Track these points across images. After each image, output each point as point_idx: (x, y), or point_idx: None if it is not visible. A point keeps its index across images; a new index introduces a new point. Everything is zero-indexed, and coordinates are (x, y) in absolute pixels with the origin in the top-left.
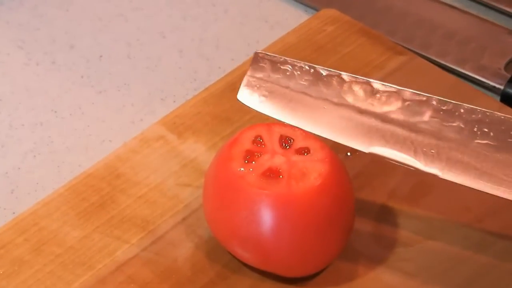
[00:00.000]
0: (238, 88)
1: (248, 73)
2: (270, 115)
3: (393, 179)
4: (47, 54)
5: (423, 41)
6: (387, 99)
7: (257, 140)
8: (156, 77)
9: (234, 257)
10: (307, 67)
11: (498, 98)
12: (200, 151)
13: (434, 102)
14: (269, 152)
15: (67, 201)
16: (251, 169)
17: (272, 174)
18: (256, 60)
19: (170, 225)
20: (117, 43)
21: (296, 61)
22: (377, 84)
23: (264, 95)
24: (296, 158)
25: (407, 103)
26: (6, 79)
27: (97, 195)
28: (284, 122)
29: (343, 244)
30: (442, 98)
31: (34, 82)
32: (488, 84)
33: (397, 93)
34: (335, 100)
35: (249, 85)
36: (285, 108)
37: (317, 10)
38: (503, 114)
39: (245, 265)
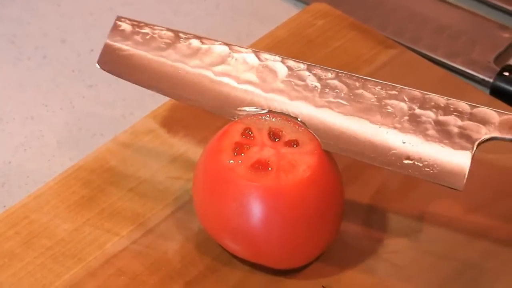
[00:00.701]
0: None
1: (108, 39)
2: (128, 81)
3: (383, 172)
4: (38, 49)
5: (413, 35)
6: (244, 62)
7: (246, 133)
8: None
9: (224, 249)
10: (165, 32)
11: (487, 91)
12: (190, 145)
13: (291, 63)
14: (258, 145)
15: (57, 194)
16: (240, 161)
17: (261, 166)
18: (116, 25)
19: (161, 218)
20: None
21: (157, 26)
22: (236, 47)
23: (122, 61)
24: (285, 150)
25: (262, 64)
26: None
27: (87, 188)
28: (273, 114)
29: (333, 236)
30: (296, 60)
31: (25, 76)
32: (478, 77)
33: (255, 55)
34: (192, 63)
35: (108, 51)
36: (144, 73)
37: (307, 4)
38: (356, 75)
39: (236, 257)
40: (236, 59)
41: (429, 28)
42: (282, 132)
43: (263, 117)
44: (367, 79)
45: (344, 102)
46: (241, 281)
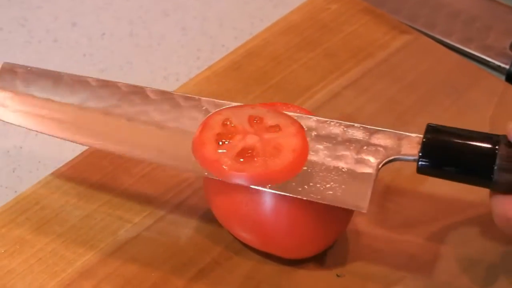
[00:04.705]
0: (242, 67)
1: None
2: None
3: None
4: (49, 32)
5: (428, 20)
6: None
7: (227, 123)
8: (159, 56)
9: (236, 237)
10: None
11: (503, 77)
12: None
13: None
14: (241, 133)
15: (69, 180)
16: (225, 151)
17: (247, 154)
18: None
19: (173, 205)
20: (119, 21)
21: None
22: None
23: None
24: (269, 135)
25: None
26: (8, 57)
27: (99, 174)
28: (251, 104)
29: (344, 226)
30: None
31: (36, 60)
32: (494, 63)
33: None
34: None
35: None
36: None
37: None
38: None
39: (248, 246)
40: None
41: (443, 13)
42: (262, 119)
43: (241, 108)
44: None
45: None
46: (254, 270)
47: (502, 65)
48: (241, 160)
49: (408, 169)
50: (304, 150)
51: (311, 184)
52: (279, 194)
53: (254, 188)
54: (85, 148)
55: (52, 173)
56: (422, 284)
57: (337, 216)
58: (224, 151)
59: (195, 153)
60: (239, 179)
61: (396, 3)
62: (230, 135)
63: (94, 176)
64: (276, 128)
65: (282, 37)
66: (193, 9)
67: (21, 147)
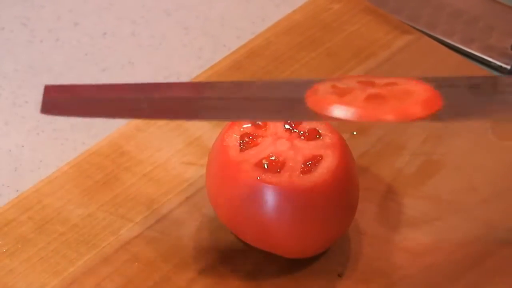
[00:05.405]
0: (244, 67)
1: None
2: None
3: (400, 159)
4: (51, 32)
5: (429, 20)
6: None
7: (337, 87)
8: (161, 55)
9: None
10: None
11: None
12: (205, 129)
13: None
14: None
15: (71, 179)
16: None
17: (375, 99)
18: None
19: (175, 204)
20: (121, 21)
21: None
22: None
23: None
24: (389, 88)
25: None
26: (10, 56)
27: (101, 173)
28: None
29: (347, 225)
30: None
31: (38, 60)
32: (495, 64)
33: None
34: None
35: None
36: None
37: None
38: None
39: (250, 245)
40: None
41: (445, 13)
42: (373, 81)
43: (343, 78)
44: None
45: None
46: (255, 269)
47: (504, 65)
48: (371, 103)
49: (410, 168)
50: (434, 93)
51: (457, 113)
52: (283, 195)
53: (257, 188)
54: (87, 147)
55: (54, 172)
56: (424, 284)
57: (339, 216)
58: (349, 100)
59: (315, 108)
60: (379, 117)
61: (397, 3)
62: (346, 92)
63: (96, 175)
64: (393, 84)
65: (284, 37)
66: (195, 9)
67: (22, 146)
